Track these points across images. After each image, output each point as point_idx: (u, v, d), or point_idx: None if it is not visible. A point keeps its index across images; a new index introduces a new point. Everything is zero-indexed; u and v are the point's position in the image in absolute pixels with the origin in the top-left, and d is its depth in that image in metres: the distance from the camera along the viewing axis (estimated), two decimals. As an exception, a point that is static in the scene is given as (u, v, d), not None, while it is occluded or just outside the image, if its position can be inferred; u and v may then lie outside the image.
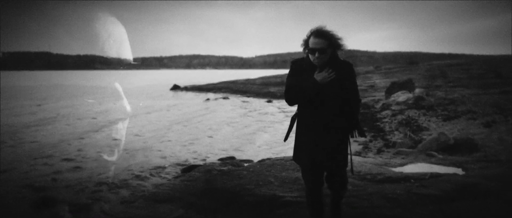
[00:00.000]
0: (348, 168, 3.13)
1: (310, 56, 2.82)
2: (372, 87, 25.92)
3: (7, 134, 11.40)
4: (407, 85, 19.14)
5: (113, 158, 8.17)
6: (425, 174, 4.95)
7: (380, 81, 29.07)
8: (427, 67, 37.77)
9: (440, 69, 33.39)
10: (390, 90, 19.07)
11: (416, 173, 5.08)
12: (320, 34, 2.75)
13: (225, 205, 4.62)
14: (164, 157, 8.33)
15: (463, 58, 56.94)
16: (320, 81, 2.76)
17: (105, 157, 8.28)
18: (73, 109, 19.08)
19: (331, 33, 2.77)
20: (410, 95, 16.82)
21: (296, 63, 2.94)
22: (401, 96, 16.95)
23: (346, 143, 2.97)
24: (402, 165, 5.87)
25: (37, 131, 12.10)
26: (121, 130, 10.20)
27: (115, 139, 10.38)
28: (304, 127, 2.96)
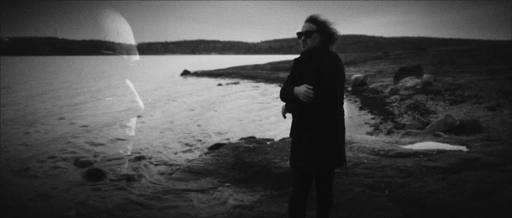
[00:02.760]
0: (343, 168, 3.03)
1: (300, 42, 2.72)
2: (380, 73, 26.31)
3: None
4: (415, 71, 19.53)
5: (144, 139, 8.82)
6: (432, 150, 5.52)
7: (388, 67, 29.40)
8: (435, 53, 37.90)
9: (448, 55, 33.56)
10: (398, 75, 19.48)
11: (424, 150, 5.65)
12: (309, 19, 2.71)
13: (254, 176, 5.25)
14: (188, 137, 8.97)
15: (471, 43, 56.62)
16: (296, 94, 2.59)
17: (138, 138, 8.95)
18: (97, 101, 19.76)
19: (323, 20, 2.69)
20: (418, 80, 17.23)
21: (296, 61, 2.80)
22: (409, 82, 17.37)
23: (337, 145, 2.69)
24: (411, 143, 6.45)
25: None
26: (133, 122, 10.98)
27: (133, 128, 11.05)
28: (294, 126, 2.80)
